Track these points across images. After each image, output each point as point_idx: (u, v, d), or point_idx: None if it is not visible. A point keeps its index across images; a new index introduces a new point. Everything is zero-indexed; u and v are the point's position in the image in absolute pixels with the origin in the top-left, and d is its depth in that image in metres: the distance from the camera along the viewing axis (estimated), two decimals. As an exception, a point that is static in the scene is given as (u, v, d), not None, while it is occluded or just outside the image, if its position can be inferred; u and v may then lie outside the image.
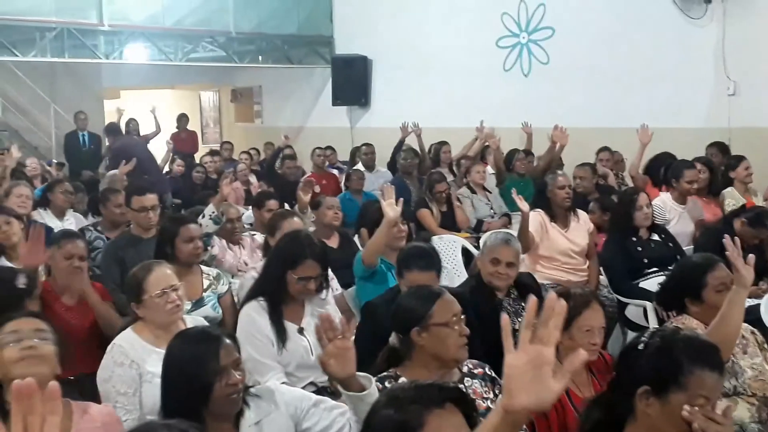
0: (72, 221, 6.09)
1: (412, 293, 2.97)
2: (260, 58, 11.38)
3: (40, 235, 3.82)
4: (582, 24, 8.85)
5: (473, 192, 7.50)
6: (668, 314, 3.56)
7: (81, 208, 6.81)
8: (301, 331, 3.46)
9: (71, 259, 3.98)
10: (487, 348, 3.01)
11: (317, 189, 6.42)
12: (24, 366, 2.49)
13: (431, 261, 3.83)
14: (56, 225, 5.83)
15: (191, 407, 2.34)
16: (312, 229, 5.48)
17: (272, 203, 5.86)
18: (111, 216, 5.47)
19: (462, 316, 2.82)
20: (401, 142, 9.18)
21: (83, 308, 3.98)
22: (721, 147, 7.39)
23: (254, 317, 3.42)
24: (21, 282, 3.51)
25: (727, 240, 3.09)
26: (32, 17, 8.89)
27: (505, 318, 1.62)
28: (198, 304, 4.05)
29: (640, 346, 2.25)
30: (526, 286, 4.17)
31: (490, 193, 7.65)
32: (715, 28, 7.75)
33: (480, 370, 2.93)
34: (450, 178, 8.14)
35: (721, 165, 6.75)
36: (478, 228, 7.10)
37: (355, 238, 5.64)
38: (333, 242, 5.35)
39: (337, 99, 11.38)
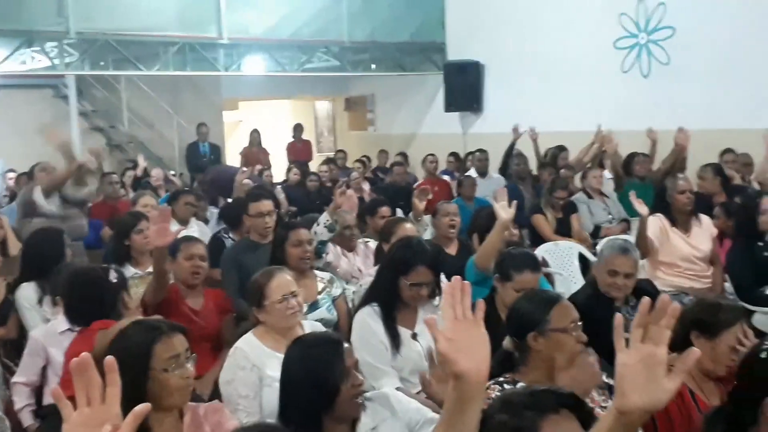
0: (195, 229, 6.31)
1: (528, 297, 2.92)
2: (373, 66, 11.50)
3: (167, 215, 3.96)
4: (704, 22, 8.52)
5: (590, 197, 7.33)
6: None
7: (203, 216, 7.06)
8: (414, 336, 3.46)
9: (192, 260, 4.16)
10: (603, 357, 2.93)
11: (430, 196, 6.41)
12: (180, 397, 2.43)
13: (538, 263, 3.77)
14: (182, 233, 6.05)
15: (312, 411, 2.37)
16: (428, 236, 5.50)
17: (384, 210, 5.90)
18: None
19: (579, 322, 2.76)
20: (512, 146, 9.08)
21: (208, 312, 4.14)
22: None
23: (369, 322, 3.46)
24: (113, 277, 3.66)
25: None
26: (156, 32, 9.29)
27: (618, 317, 1.62)
28: (313, 306, 4.13)
29: (763, 354, 2.14)
30: (646, 293, 4.02)
31: (608, 198, 7.47)
32: None
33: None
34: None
35: None
36: (595, 234, 6.94)
37: (468, 244, 5.61)
38: (452, 249, 5.33)
39: (450, 105, 11.37)
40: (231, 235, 5.86)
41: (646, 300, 1.56)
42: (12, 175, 9.61)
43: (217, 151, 11.56)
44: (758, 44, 8.04)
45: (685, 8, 8.72)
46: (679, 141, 7.25)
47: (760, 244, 4.88)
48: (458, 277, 1.71)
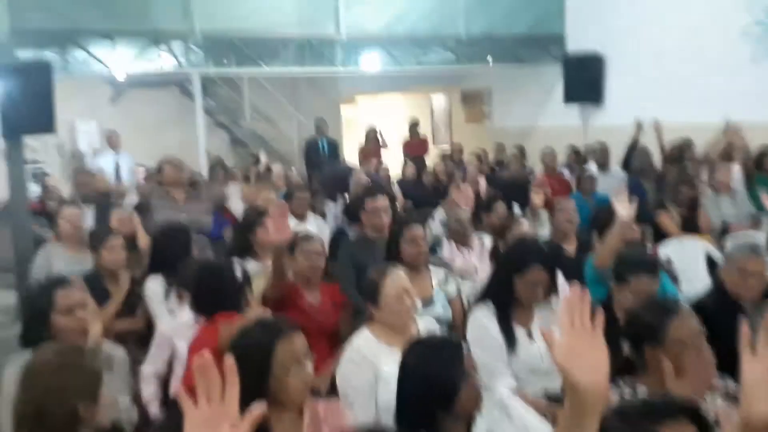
0: (313, 224, 6.41)
1: (649, 305, 2.82)
2: (490, 59, 11.39)
3: (285, 211, 4.05)
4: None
5: (718, 193, 7.02)
6: None
7: (320, 211, 7.19)
8: (530, 335, 3.42)
9: (309, 257, 4.24)
10: (728, 365, 2.79)
11: (548, 191, 6.30)
12: (299, 396, 2.46)
13: (657, 265, 3.64)
14: (299, 229, 6.18)
15: (431, 412, 2.37)
16: (546, 232, 5.41)
17: (500, 207, 5.84)
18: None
19: (701, 333, 2.64)
20: (635, 142, 8.79)
21: (326, 307, 4.21)
22: None
23: (484, 321, 3.43)
24: (237, 271, 3.75)
25: None
26: (276, 31, 9.52)
27: (745, 326, 1.58)
28: (428, 303, 4.13)
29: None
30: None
31: (737, 193, 7.12)
32: None
33: (721, 384, 2.73)
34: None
35: None
36: (723, 231, 6.63)
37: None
38: (570, 246, 5.23)
39: (570, 97, 11.12)
40: (352, 229, 5.93)
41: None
42: (141, 169, 10.05)
43: (334, 147, 11.71)
44: None
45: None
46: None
47: None
48: (577, 284, 1.65)
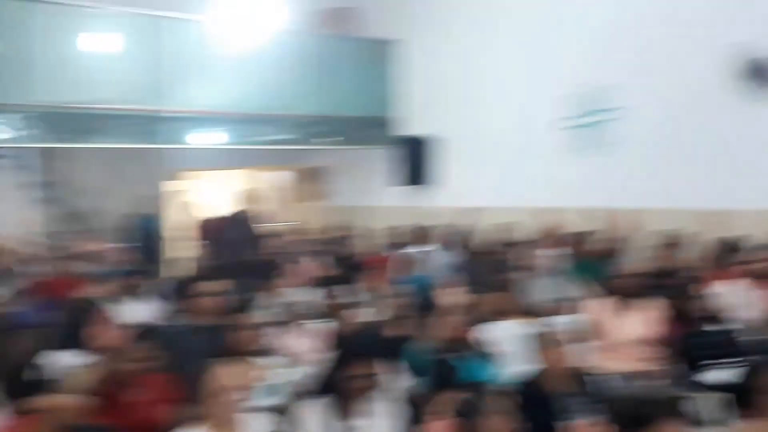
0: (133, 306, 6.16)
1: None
2: (328, 140, 11.59)
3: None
4: (647, 104, 8.75)
5: (537, 276, 7.41)
6: None
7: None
8: (352, 429, 3.43)
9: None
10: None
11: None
12: None
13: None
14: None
15: None
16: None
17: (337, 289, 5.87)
18: None
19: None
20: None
21: (153, 401, 4.03)
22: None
23: (310, 414, 3.41)
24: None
25: None
26: (99, 105, 9.21)
27: None
28: (259, 393, 4.04)
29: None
30: (586, 381, 4.08)
31: (554, 276, 7.55)
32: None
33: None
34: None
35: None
36: (541, 312, 6.95)
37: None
38: (403, 329, 5.30)
39: (400, 179, 11.51)
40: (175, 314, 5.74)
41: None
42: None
43: (155, 223, 11.50)
44: (702, 127, 8.24)
45: (632, 90, 8.91)
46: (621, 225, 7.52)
47: (699, 329, 4.95)
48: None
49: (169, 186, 12.86)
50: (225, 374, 3.27)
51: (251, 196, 12.98)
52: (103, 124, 9.41)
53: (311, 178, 13.92)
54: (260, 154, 12.47)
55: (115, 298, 6.07)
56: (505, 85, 10.33)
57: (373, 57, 11.82)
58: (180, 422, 3.56)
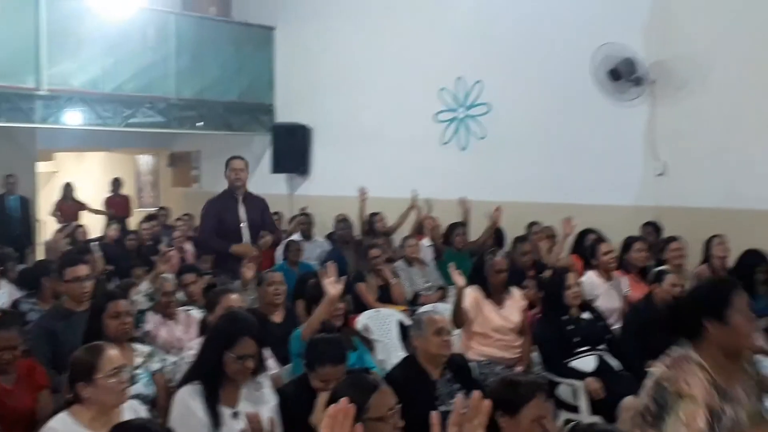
0: (4, 292, 5.92)
1: (349, 384, 2.97)
2: (200, 124, 11.37)
3: None
4: (516, 101, 9.09)
5: (410, 265, 7.59)
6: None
7: (12, 277, 6.62)
8: (235, 415, 3.43)
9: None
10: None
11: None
12: None
13: (344, 355, 3.86)
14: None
15: None
16: (255, 304, 5.47)
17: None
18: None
19: (397, 407, 2.84)
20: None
21: (21, 389, 3.89)
22: (655, 226, 7.63)
23: (188, 401, 3.39)
24: None
25: None
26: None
27: (434, 415, 1.73)
28: (130, 381, 3.97)
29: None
30: (458, 367, 4.23)
31: (427, 266, 7.75)
32: (646, 109, 8.02)
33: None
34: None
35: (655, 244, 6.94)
36: (414, 301, 7.15)
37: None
38: (278, 317, 5.34)
39: (277, 166, 11.43)
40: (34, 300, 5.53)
41: (458, 399, 1.65)
42: None
43: (26, 204, 11.00)
44: (563, 126, 8.65)
45: (499, 87, 9.27)
46: (493, 218, 7.79)
47: (565, 317, 5.20)
48: (345, 400, 1.69)
49: (42, 167, 12.36)
50: (98, 360, 3.18)
51: (118, 180, 12.69)
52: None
53: (186, 163, 13.62)
54: (132, 136, 12.12)
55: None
56: (381, 76, 10.45)
57: (253, 42, 11.69)
58: (50, 410, 3.45)
